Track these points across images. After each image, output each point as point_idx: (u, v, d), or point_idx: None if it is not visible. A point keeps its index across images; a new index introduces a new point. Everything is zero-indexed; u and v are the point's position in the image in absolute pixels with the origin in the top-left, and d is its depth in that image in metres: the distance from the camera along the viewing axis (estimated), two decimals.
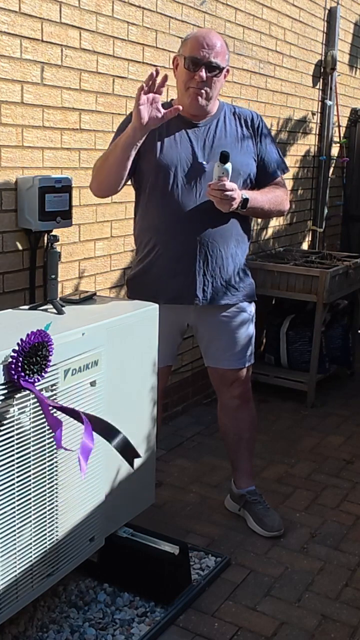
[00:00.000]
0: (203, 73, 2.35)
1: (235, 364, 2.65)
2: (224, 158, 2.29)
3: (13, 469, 1.76)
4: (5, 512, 1.76)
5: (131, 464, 1.92)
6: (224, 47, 2.40)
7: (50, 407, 1.77)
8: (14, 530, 1.80)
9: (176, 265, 2.47)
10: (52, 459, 1.89)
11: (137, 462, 2.30)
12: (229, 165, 2.30)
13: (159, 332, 2.37)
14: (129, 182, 2.53)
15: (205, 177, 2.40)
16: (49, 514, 1.91)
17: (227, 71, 2.45)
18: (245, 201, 2.40)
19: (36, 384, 1.75)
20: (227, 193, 2.31)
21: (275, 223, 4.67)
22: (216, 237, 2.46)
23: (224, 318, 2.59)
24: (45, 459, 1.86)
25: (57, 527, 1.95)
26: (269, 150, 2.57)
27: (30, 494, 1.83)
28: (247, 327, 2.64)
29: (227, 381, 2.70)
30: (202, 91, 2.38)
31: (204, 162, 2.42)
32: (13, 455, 1.75)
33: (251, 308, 2.66)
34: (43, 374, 1.76)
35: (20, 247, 2.66)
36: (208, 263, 2.47)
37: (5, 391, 1.70)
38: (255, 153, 2.54)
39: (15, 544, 1.81)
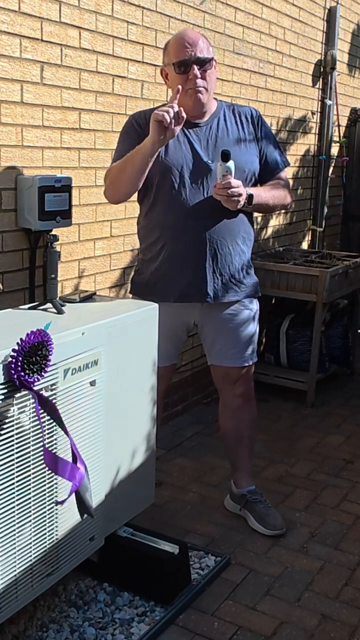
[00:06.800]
0: (196, 71, 2.38)
1: (239, 361, 2.66)
2: (225, 156, 2.33)
3: (13, 469, 1.76)
4: (5, 511, 1.76)
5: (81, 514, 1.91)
6: (205, 40, 2.43)
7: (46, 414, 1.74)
8: (14, 530, 1.80)
9: (186, 264, 2.48)
10: None
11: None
12: (231, 163, 2.34)
13: (165, 331, 2.37)
14: None
15: (211, 176, 2.43)
16: (48, 514, 1.91)
17: (216, 61, 2.47)
18: (250, 197, 2.43)
19: (36, 383, 1.75)
20: (233, 190, 2.34)
21: (275, 222, 4.67)
22: (225, 234, 2.48)
23: (228, 315, 2.60)
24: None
25: (57, 526, 1.95)
26: (269, 146, 2.60)
27: (30, 493, 1.83)
28: (251, 324, 2.65)
29: (231, 379, 2.70)
30: (201, 88, 2.41)
31: (209, 161, 2.44)
32: (13, 455, 1.75)
33: (255, 305, 2.67)
34: (43, 373, 1.76)
35: (20, 247, 2.66)
36: (217, 260, 2.49)
37: (5, 391, 1.70)
38: (257, 149, 2.56)
39: (15, 543, 1.81)
